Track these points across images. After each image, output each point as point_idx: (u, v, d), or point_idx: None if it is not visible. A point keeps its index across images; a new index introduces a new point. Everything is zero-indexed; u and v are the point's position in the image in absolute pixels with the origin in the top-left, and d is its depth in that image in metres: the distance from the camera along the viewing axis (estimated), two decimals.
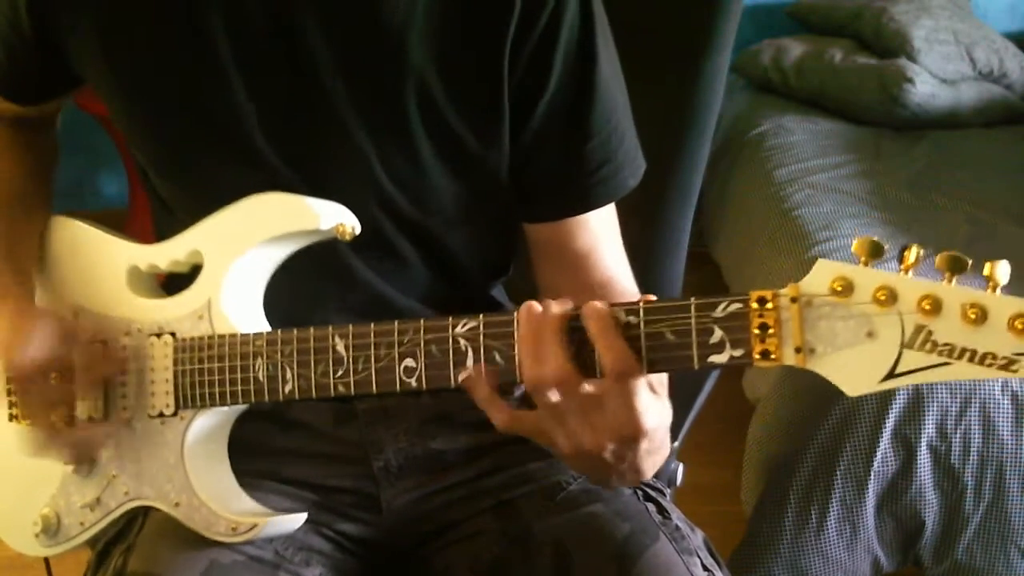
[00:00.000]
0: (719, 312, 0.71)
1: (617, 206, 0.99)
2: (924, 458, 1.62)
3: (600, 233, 0.97)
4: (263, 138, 0.90)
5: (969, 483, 1.63)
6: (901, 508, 1.65)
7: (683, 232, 1.31)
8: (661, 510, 0.95)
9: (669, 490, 1.06)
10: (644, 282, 1.32)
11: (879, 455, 1.62)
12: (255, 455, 0.96)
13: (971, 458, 1.63)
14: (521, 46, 0.89)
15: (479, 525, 0.98)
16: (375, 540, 1.00)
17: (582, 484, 0.97)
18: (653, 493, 0.97)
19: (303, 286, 0.92)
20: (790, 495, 1.67)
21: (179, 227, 0.92)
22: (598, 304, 0.74)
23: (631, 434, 0.75)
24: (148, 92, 0.91)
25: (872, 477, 1.63)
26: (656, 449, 0.78)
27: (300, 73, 0.89)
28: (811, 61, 2.79)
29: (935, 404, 1.61)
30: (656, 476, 1.09)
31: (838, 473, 1.64)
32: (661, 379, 0.79)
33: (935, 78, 2.67)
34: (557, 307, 0.75)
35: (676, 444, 1.15)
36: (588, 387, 0.74)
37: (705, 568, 0.90)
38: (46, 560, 1.04)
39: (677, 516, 0.95)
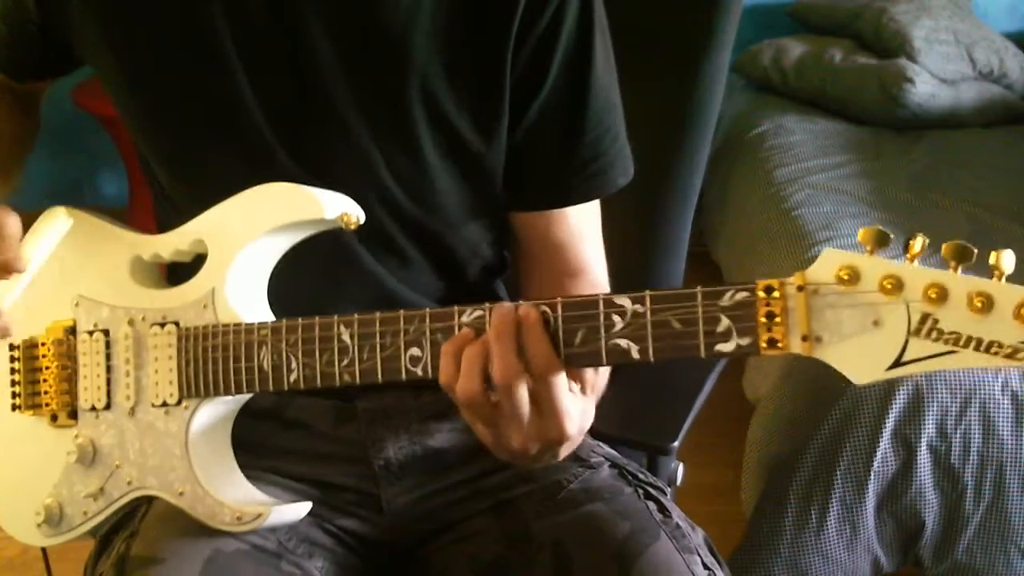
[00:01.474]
0: (726, 301, 0.71)
1: (619, 206, 0.99)
2: (924, 458, 1.63)
3: (580, 225, 0.99)
4: (270, 133, 0.90)
5: (969, 483, 1.63)
6: (901, 508, 1.65)
7: (683, 232, 1.31)
8: (661, 509, 0.95)
9: (669, 489, 1.06)
10: (644, 282, 1.32)
11: (879, 455, 1.62)
12: (256, 455, 0.96)
13: (971, 458, 1.63)
14: (523, 44, 0.89)
15: (479, 524, 0.98)
16: (376, 538, 1.00)
17: (582, 483, 0.97)
18: (653, 492, 0.97)
19: (310, 280, 0.92)
20: (790, 495, 1.67)
21: (182, 220, 0.92)
22: (507, 306, 0.76)
23: (556, 438, 0.78)
24: (154, 88, 0.92)
25: (872, 477, 1.63)
26: (574, 445, 0.81)
27: (302, 72, 0.89)
28: (811, 61, 2.80)
29: (935, 404, 1.61)
30: (656, 475, 1.10)
31: (838, 473, 1.64)
32: (593, 381, 0.81)
33: (935, 78, 2.67)
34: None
35: (676, 444, 1.15)
36: (519, 395, 0.76)
37: (706, 567, 0.90)
38: (44, 552, 1.04)
39: (677, 515, 0.95)
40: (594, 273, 0.99)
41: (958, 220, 2.18)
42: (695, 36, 1.21)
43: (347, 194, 0.87)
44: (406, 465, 0.99)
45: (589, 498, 0.95)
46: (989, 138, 2.67)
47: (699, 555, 0.90)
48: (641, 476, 1.00)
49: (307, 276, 0.92)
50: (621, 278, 1.06)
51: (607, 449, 1.04)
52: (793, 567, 1.68)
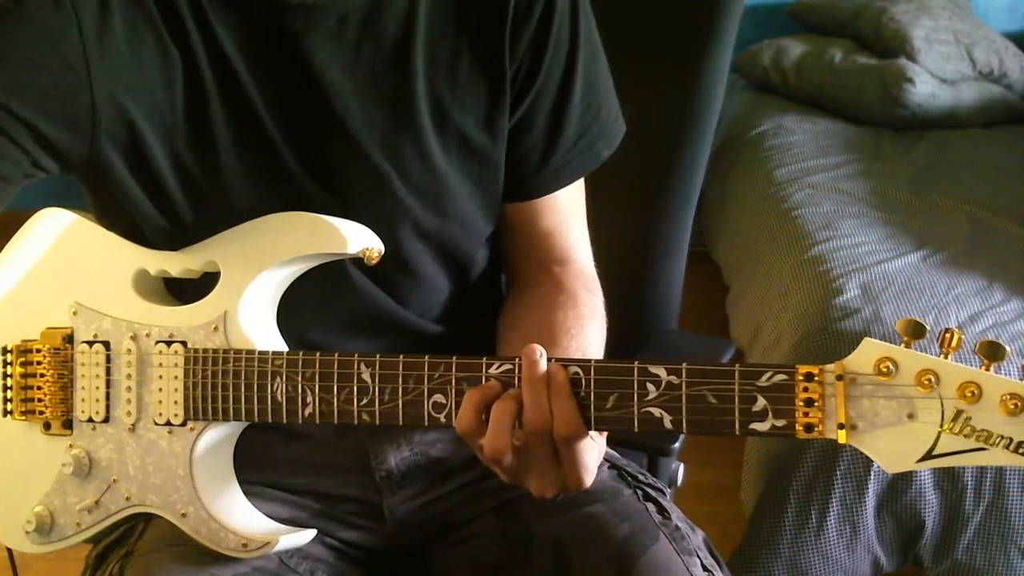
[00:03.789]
0: (763, 381, 0.72)
1: (619, 206, 0.99)
2: None
3: (566, 213, 0.99)
4: (287, 152, 0.88)
5: (969, 483, 1.63)
6: (901, 508, 1.65)
7: (683, 232, 1.31)
8: (661, 510, 0.95)
9: (669, 490, 1.06)
10: (644, 281, 1.32)
11: None
12: (257, 465, 0.95)
13: None
14: (519, 38, 0.89)
15: (480, 526, 0.98)
16: (378, 547, 1.00)
17: None
18: (653, 493, 0.97)
19: (302, 298, 0.90)
20: (790, 495, 1.67)
21: (167, 239, 0.89)
22: (538, 357, 0.76)
23: (574, 486, 0.79)
24: (190, 135, 0.87)
25: (872, 477, 1.63)
26: None
27: (312, 91, 0.87)
28: (811, 61, 2.80)
29: None
30: (657, 476, 1.10)
31: (838, 473, 1.64)
32: None
33: (935, 78, 2.67)
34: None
35: (676, 445, 1.15)
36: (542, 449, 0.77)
37: (705, 568, 0.90)
38: (9, 553, 1.01)
39: (677, 516, 0.95)
40: (581, 261, 1.00)
41: (958, 220, 2.18)
42: (695, 36, 1.21)
43: (364, 208, 0.87)
44: (408, 474, 0.99)
45: (589, 499, 0.94)
46: (989, 138, 2.67)
47: (698, 556, 0.90)
48: (641, 477, 1.00)
49: (299, 291, 0.89)
50: (622, 278, 1.06)
51: (607, 449, 1.04)
52: (793, 567, 1.68)
